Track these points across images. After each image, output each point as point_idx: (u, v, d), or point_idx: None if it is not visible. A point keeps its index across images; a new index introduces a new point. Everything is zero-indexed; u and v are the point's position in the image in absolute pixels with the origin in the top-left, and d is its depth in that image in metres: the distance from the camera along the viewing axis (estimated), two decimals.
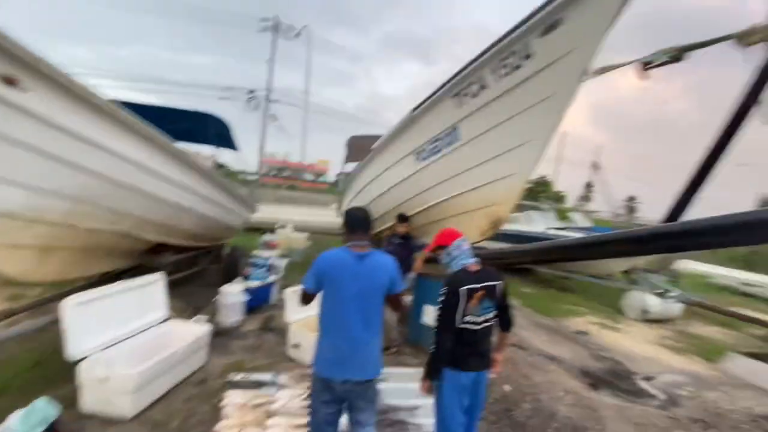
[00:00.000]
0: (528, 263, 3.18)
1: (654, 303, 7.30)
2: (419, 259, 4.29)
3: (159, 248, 4.50)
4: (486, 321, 2.17)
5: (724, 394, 4.37)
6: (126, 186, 3.12)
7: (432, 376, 2.14)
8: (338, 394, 1.86)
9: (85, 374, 2.68)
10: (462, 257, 2.24)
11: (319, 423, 1.92)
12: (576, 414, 3.49)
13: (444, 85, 3.34)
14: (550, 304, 7.89)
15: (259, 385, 3.21)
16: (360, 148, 6.38)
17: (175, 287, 5.84)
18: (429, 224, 4.58)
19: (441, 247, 2.31)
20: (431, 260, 4.60)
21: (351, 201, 6.25)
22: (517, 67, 2.79)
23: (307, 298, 1.94)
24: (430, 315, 4.45)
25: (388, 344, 4.38)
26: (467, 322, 2.12)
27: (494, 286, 2.21)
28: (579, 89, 2.64)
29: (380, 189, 4.85)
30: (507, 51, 2.79)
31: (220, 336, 4.31)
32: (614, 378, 4.61)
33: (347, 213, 1.99)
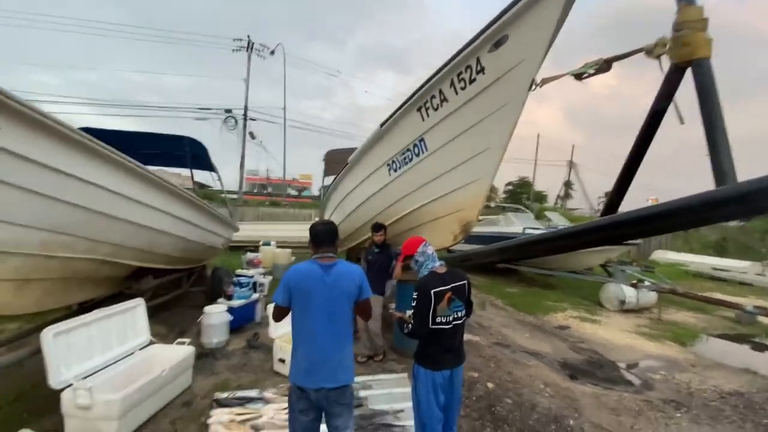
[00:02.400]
0: (495, 261, 3.33)
1: (630, 293, 7.60)
2: (397, 265, 4.42)
3: (139, 273, 4.50)
4: (456, 319, 2.31)
5: (695, 375, 4.60)
6: (100, 214, 3.15)
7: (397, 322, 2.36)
8: (314, 402, 1.95)
9: (68, 403, 2.68)
10: (428, 262, 2.39)
11: (298, 430, 2.00)
12: (555, 405, 3.64)
13: (408, 99, 3.52)
14: (533, 302, 8.11)
15: (245, 401, 3.25)
16: (338, 162, 6.53)
17: (157, 311, 5.81)
18: (405, 232, 4.73)
19: (408, 257, 2.46)
20: (409, 267, 4.76)
21: (331, 215, 6.36)
22: (473, 81, 2.99)
23: (279, 313, 2.03)
24: None
25: (374, 352, 4.47)
26: (438, 323, 2.25)
27: (462, 285, 2.36)
28: (527, 98, 2.86)
29: (357, 201, 4.98)
30: (462, 66, 2.99)
31: (206, 357, 4.32)
32: (592, 368, 4.80)
33: (312, 227, 2.10)
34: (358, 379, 3.86)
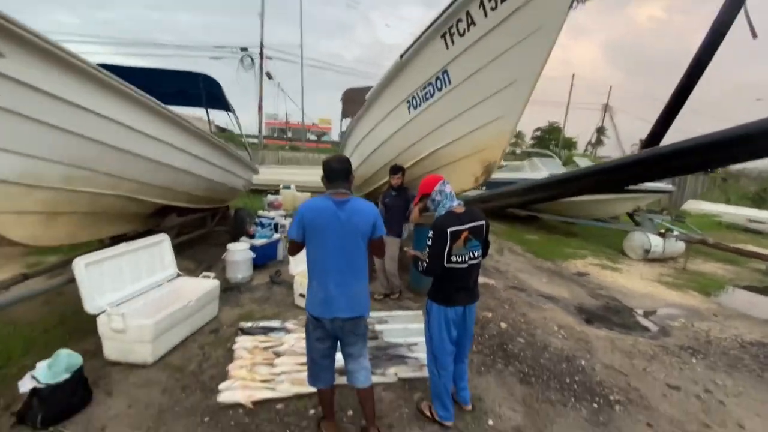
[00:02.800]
0: (519, 203, 3.16)
1: (656, 242, 7.37)
2: (414, 209, 4.35)
3: (164, 211, 4.63)
4: (472, 259, 2.26)
5: (716, 323, 4.53)
6: (119, 150, 3.16)
7: (413, 259, 2.36)
8: (329, 331, 2.01)
9: (103, 327, 2.90)
10: (446, 201, 2.30)
11: (315, 357, 2.09)
12: (568, 346, 3.69)
13: (431, 25, 3.19)
14: (553, 249, 8.02)
15: (268, 330, 3.44)
16: (356, 102, 6.26)
17: (184, 248, 6.09)
18: (425, 175, 4.59)
19: (425, 196, 2.36)
20: (426, 209, 4.69)
21: (349, 158, 6.23)
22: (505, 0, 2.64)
23: (294, 248, 2.03)
24: None
25: (391, 290, 4.59)
26: (454, 262, 2.22)
27: (480, 225, 2.28)
28: (566, 17, 2.51)
29: (375, 143, 4.80)
30: None
31: (231, 291, 4.55)
32: (609, 313, 4.79)
33: (325, 162, 2.02)
34: (374, 314, 4.00)
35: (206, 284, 3.71)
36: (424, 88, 3.62)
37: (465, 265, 2.25)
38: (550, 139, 38.61)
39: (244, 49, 18.65)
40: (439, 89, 3.47)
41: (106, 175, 3.18)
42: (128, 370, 2.91)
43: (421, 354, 3.20)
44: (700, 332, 4.24)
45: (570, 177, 2.02)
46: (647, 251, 7.41)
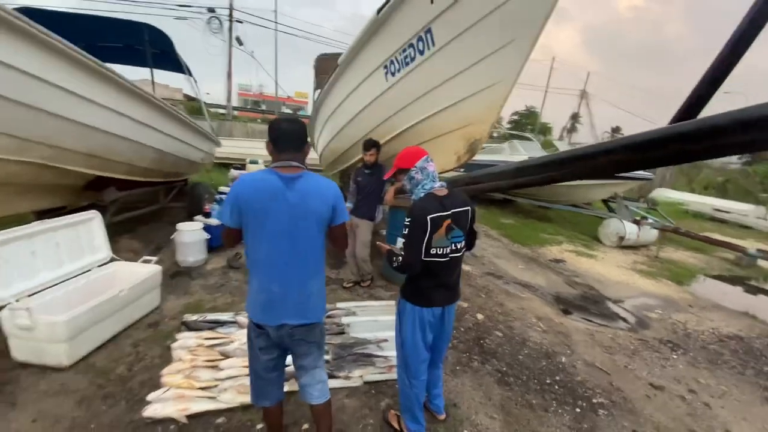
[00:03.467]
0: (504, 188, 2.76)
1: (630, 230, 7.33)
2: (390, 189, 3.95)
3: (99, 183, 4.00)
4: (454, 251, 1.89)
5: (692, 315, 4.45)
6: (25, 106, 2.54)
7: (386, 255, 1.94)
8: (275, 340, 1.60)
9: (7, 324, 2.38)
10: (426, 181, 1.89)
11: (259, 371, 1.68)
12: (547, 340, 3.46)
13: None
14: (529, 234, 7.87)
15: (216, 325, 3.00)
16: (331, 70, 5.66)
17: (133, 226, 5.48)
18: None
19: (401, 171, 1.95)
20: (404, 191, 4.29)
21: (320, 133, 5.69)
22: None
23: (230, 236, 1.58)
24: None
25: (361, 278, 4.22)
26: (433, 255, 1.84)
27: (464, 212, 1.90)
28: None
29: (349, 115, 4.30)
30: None
31: (180, 276, 4.04)
32: (586, 303, 4.63)
33: (273, 123, 1.56)
34: (341, 305, 3.63)
35: (145, 270, 3.20)
36: (404, 50, 3.14)
37: (446, 259, 1.87)
38: (526, 123, 38.80)
39: (211, 10, 17.16)
40: (421, 52, 3.00)
41: (6, 136, 2.56)
42: (41, 373, 2.42)
43: (391, 352, 2.86)
44: (677, 324, 4.13)
45: (583, 155, 1.67)
46: (622, 238, 7.37)
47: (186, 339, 2.75)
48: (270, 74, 30.31)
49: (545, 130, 39.91)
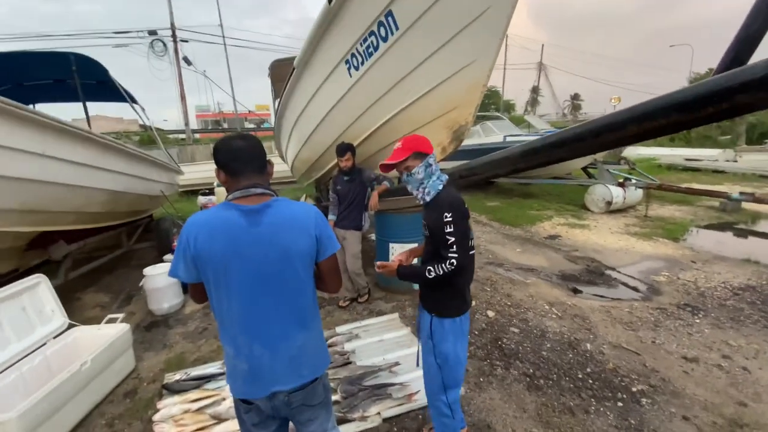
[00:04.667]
0: (502, 174, 2.48)
1: (617, 193, 7.27)
2: (375, 193, 3.64)
3: (44, 240, 3.51)
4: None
5: (698, 271, 4.35)
6: None
7: (402, 275, 1.66)
8: (270, 413, 1.27)
9: None
10: (438, 171, 1.65)
11: None
12: (566, 327, 3.24)
13: None
14: (518, 213, 7.72)
15: (203, 380, 2.61)
16: (286, 76, 5.24)
17: (99, 277, 4.97)
18: (380, 152, 3.84)
19: (420, 155, 1.59)
20: (389, 193, 3.97)
21: (288, 142, 5.30)
22: None
23: (195, 291, 1.23)
24: (397, 253, 3.94)
25: (357, 293, 3.89)
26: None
27: None
28: None
29: (315, 120, 3.94)
30: None
31: (157, 327, 3.61)
32: (593, 277, 4.46)
33: (218, 146, 1.20)
34: (341, 329, 3.30)
35: (111, 332, 2.77)
36: (365, 40, 2.81)
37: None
38: (490, 103, 39.16)
39: (152, 33, 16.31)
40: (384, 39, 2.69)
41: None
42: None
43: (407, 375, 2.57)
44: (688, 284, 4.00)
45: (610, 124, 1.41)
46: (609, 203, 7.31)
47: (169, 407, 2.36)
48: (226, 91, 29.30)
49: (509, 107, 40.38)
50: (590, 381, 2.54)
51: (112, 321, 2.94)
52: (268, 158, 1.25)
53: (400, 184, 4.74)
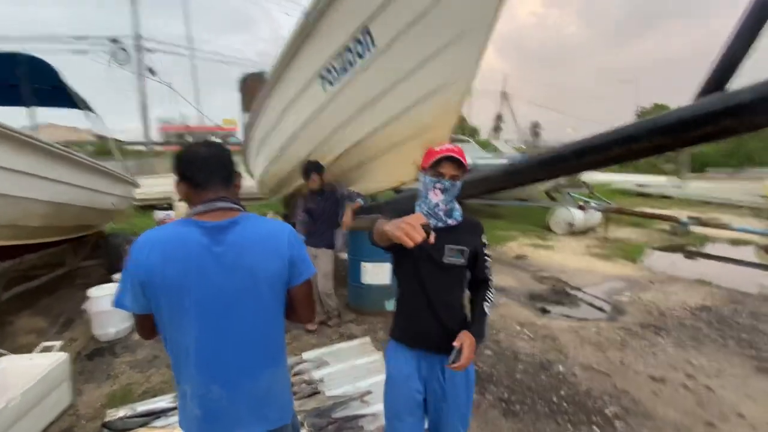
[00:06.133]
0: (490, 190, 2.38)
1: (578, 216, 7.59)
2: (349, 210, 3.53)
3: None
4: None
5: (657, 292, 4.54)
6: None
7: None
8: None
9: None
10: None
11: None
12: (537, 348, 3.24)
13: None
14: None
15: (151, 416, 2.33)
16: (257, 90, 5.10)
17: (36, 299, 4.47)
18: (353, 170, 3.77)
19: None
20: (363, 210, 3.88)
21: (256, 157, 5.12)
22: None
23: (144, 325, 1.05)
24: (370, 274, 3.83)
25: (327, 316, 3.72)
26: None
27: None
28: None
29: (285, 134, 3.82)
30: None
31: (101, 355, 3.25)
32: (559, 297, 4.54)
33: (179, 155, 1.07)
34: (308, 355, 3.10)
35: (45, 362, 2.44)
36: (340, 55, 2.78)
37: None
38: (457, 128, 40.54)
39: (114, 40, 15.67)
40: (361, 55, 2.66)
41: None
42: None
43: (378, 407, 2.41)
44: (650, 305, 4.15)
45: (593, 145, 1.40)
46: (571, 225, 7.61)
47: None
48: (192, 104, 28.49)
49: (473, 132, 41.97)
50: (565, 404, 2.51)
51: (47, 349, 2.60)
52: (236, 170, 1.13)
53: (374, 203, 4.67)
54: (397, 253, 1.40)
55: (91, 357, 3.22)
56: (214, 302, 0.98)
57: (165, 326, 1.01)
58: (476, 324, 1.41)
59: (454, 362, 1.25)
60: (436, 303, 1.40)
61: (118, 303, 0.99)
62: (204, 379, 1.02)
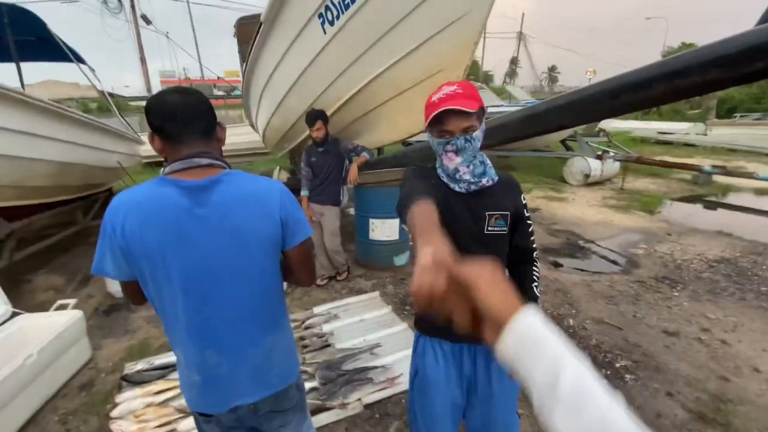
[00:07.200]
0: (509, 140, 2.13)
1: (595, 166, 7.29)
2: (354, 165, 3.39)
3: None
4: None
5: (674, 244, 4.40)
6: None
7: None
8: (233, 426, 1.08)
9: None
10: None
11: None
12: (549, 302, 3.20)
13: None
14: None
15: (167, 369, 2.40)
16: (254, 35, 4.75)
17: (51, 257, 4.56)
18: (359, 120, 3.56)
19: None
20: (368, 165, 3.73)
21: (258, 109, 4.89)
22: None
23: (131, 290, 0.98)
24: (378, 230, 3.75)
25: (336, 270, 3.71)
26: None
27: None
28: None
29: (286, 83, 3.58)
30: None
31: (117, 311, 3.33)
32: (573, 250, 4.45)
33: (150, 103, 0.92)
34: (318, 309, 3.13)
35: (61, 320, 2.49)
36: None
37: None
38: (468, 74, 38.45)
39: None
40: None
41: None
42: None
43: (388, 358, 2.45)
44: (665, 257, 4.04)
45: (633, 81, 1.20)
46: (587, 176, 7.33)
47: (129, 401, 2.15)
48: (192, 55, 27.35)
49: (488, 78, 39.88)
50: None
51: (62, 307, 2.65)
52: (218, 121, 0.99)
53: (380, 156, 4.46)
54: None
55: (109, 312, 3.31)
56: (199, 270, 0.90)
57: (150, 293, 0.94)
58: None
59: None
60: None
61: (98, 269, 0.91)
62: (197, 346, 0.96)
